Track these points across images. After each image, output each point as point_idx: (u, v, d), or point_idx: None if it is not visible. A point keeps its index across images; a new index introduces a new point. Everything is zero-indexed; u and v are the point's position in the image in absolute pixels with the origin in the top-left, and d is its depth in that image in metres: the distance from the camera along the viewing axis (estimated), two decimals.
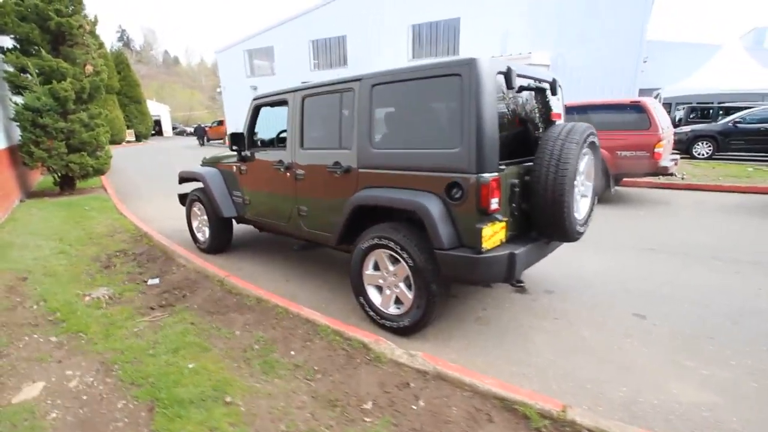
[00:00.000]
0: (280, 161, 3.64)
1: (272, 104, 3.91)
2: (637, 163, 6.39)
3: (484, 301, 3.40)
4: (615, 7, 14.74)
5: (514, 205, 2.63)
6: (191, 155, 19.56)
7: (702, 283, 3.67)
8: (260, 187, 4.03)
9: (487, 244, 2.39)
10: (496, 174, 2.39)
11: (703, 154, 11.86)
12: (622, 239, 5.00)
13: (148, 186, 10.09)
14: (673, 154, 7.26)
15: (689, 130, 12.09)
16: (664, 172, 6.34)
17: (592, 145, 2.77)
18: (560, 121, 2.93)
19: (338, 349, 2.64)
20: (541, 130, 3.00)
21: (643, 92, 15.91)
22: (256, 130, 4.23)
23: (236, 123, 25.99)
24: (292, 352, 2.62)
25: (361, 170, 2.96)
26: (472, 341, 2.83)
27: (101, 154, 8.26)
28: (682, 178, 7.79)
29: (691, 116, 14.40)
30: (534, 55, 13.63)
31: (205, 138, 29.09)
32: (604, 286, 3.67)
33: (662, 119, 6.50)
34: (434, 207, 2.49)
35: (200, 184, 4.91)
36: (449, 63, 2.46)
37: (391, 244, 2.72)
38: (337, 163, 3.11)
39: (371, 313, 3.00)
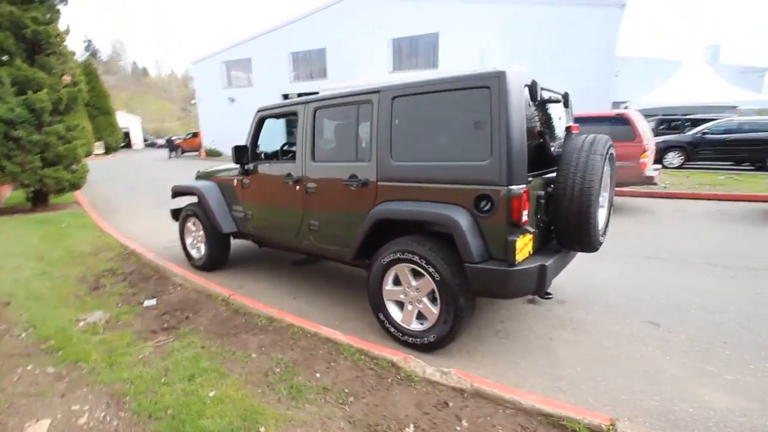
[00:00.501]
0: (289, 174, 3.53)
1: (279, 116, 3.80)
2: (623, 174, 6.58)
3: (500, 314, 3.38)
4: (587, 23, 15.43)
5: (539, 216, 2.63)
6: (164, 168, 18.99)
7: (703, 289, 3.78)
8: (265, 201, 3.90)
9: (518, 257, 2.37)
10: (526, 186, 2.39)
11: (673, 164, 12.41)
12: (616, 247, 5.10)
13: (125, 201, 9.66)
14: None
15: (661, 140, 12.64)
16: (650, 181, 6.57)
17: (611, 156, 2.82)
18: (576, 133, 2.97)
19: (365, 369, 2.54)
20: (557, 142, 3.03)
21: (613, 105, 16.63)
22: (258, 143, 4.11)
23: (212, 135, 25.49)
24: (318, 375, 2.50)
25: (380, 183, 2.90)
26: (497, 356, 2.79)
27: (77, 167, 7.85)
28: (665, 187, 8.11)
29: (661, 127, 15.08)
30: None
31: (179, 150, 28.33)
32: (612, 294, 3.72)
33: (646, 131, 6.76)
34: (463, 220, 2.45)
35: (194, 199, 4.74)
36: (477, 75, 2.45)
37: (416, 258, 2.66)
38: (353, 176, 3.04)
39: (392, 329, 2.92)
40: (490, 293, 2.53)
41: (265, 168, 3.89)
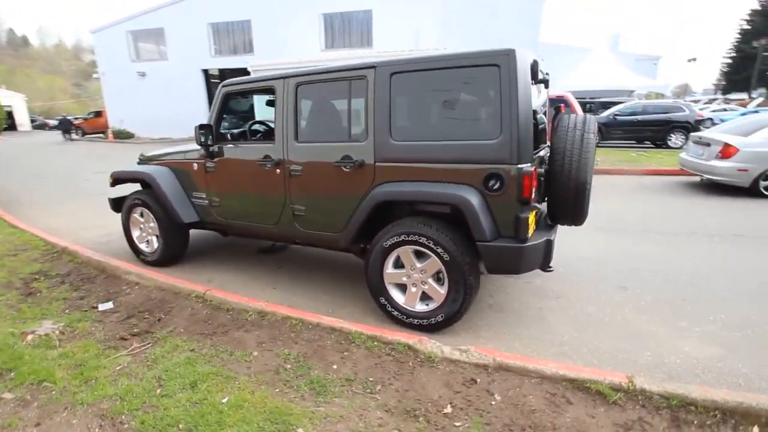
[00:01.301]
0: (267, 156, 3.25)
1: (248, 92, 3.46)
2: None
3: (487, 288, 3.49)
4: (512, 11, 16.19)
5: (538, 193, 2.73)
6: (67, 152, 16.66)
7: (649, 254, 4.24)
8: (236, 186, 3.56)
9: (529, 233, 2.44)
10: (533, 164, 2.44)
11: None
12: None
13: (32, 192, 8.30)
14: None
15: None
16: None
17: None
18: (563, 113, 3.10)
19: (382, 355, 2.48)
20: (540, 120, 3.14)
21: None
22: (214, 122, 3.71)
23: (120, 114, 22.79)
24: (334, 366, 2.38)
25: (378, 164, 2.78)
26: (499, 329, 2.89)
27: None
28: (597, 164, 8.92)
29: None
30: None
31: (80, 132, 24.99)
32: (579, 264, 4.02)
33: (581, 112, 7.33)
34: (475, 199, 2.46)
35: (139, 186, 4.22)
36: (486, 53, 2.42)
37: (423, 240, 2.62)
38: (347, 157, 2.88)
39: (395, 313, 2.87)
40: (503, 270, 2.58)
41: (233, 150, 3.54)
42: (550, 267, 2.69)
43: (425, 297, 2.82)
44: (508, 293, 3.43)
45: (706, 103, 25.16)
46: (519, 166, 2.38)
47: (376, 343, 2.57)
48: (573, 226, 3.09)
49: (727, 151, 6.40)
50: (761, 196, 6.31)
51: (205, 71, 21.60)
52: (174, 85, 21.23)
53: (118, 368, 2.43)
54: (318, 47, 18.91)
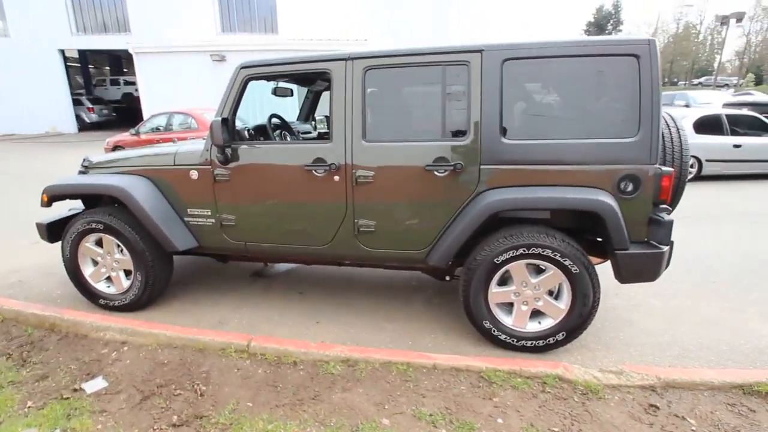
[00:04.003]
0: (319, 160, 2.55)
1: (281, 77, 2.67)
2: None
3: None
4: (421, 7, 16.54)
5: None
6: None
7: None
8: (266, 199, 2.74)
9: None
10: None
11: None
12: None
13: None
14: None
15: None
16: None
17: None
18: None
19: (537, 393, 2.11)
20: None
21: None
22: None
23: None
24: (499, 420, 1.94)
25: (484, 167, 2.36)
26: (599, 337, 2.72)
27: None
28: None
29: None
30: (370, 42, 13.98)
31: None
32: None
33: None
34: (614, 204, 2.23)
35: (79, 205, 3.19)
36: (623, 41, 2.20)
37: (548, 252, 2.31)
38: (441, 159, 2.40)
39: (502, 336, 2.50)
40: (640, 278, 2.40)
41: (259, 152, 2.73)
42: None
43: (535, 315, 2.52)
44: None
45: None
46: (658, 166, 2.22)
47: (519, 379, 2.19)
48: None
49: None
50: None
51: (62, 52, 17.64)
52: (19, 69, 16.94)
53: None
54: (213, 30, 16.85)
